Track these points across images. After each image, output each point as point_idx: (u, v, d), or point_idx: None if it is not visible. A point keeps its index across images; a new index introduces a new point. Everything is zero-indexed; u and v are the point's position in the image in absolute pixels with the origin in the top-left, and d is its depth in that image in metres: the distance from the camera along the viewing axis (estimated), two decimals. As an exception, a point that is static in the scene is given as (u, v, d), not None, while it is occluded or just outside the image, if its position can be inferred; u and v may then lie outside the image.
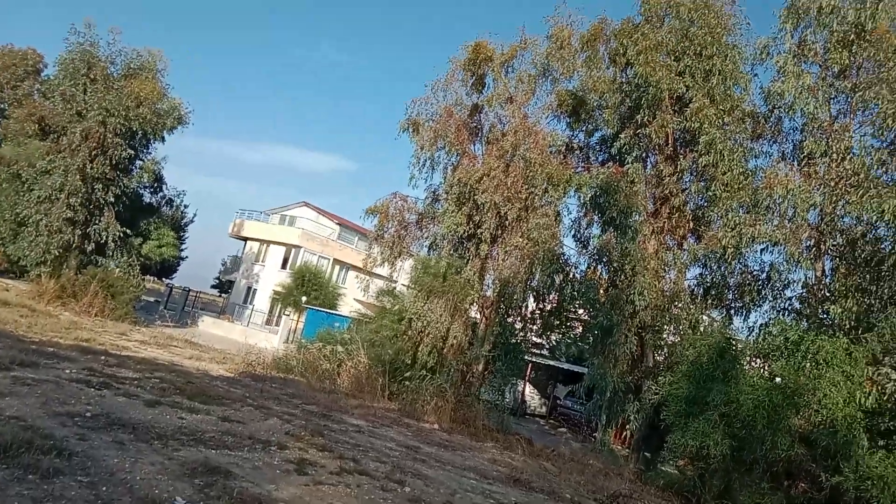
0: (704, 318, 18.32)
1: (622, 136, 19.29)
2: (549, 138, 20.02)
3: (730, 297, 18.27)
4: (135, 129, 26.76)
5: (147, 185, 31.60)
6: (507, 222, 19.31)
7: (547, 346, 26.39)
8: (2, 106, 38.10)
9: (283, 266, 43.33)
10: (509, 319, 19.92)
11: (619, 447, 19.23)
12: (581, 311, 21.47)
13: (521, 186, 18.87)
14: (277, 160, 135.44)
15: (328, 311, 32.43)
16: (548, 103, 21.01)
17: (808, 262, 16.15)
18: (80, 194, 25.13)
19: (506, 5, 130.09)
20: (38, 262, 24.74)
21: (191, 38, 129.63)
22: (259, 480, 6.80)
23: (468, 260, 19.68)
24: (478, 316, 20.17)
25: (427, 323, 17.49)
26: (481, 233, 18.93)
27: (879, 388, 11.75)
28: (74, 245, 25.44)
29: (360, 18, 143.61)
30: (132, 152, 27.37)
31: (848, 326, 13.67)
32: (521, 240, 18.82)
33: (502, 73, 20.80)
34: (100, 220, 26.22)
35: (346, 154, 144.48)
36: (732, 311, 18.24)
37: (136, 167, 29.14)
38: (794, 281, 17.16)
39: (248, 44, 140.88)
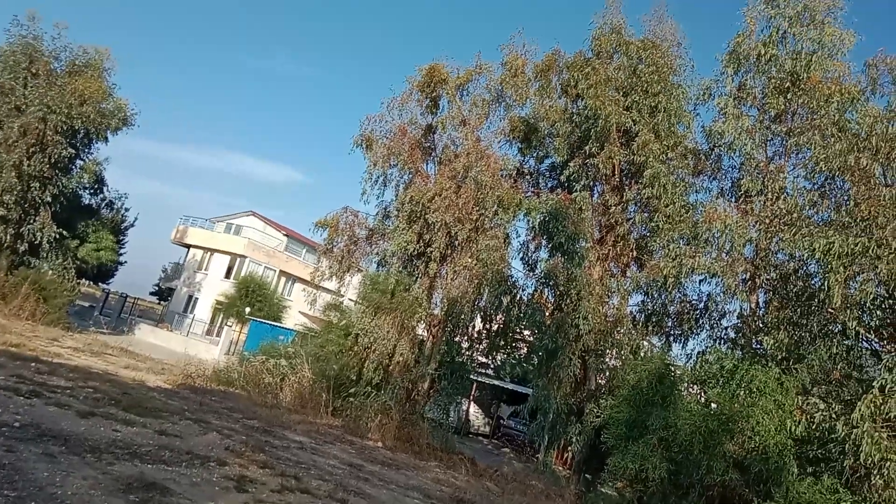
0: (645, 343, 18.92)
1: (571, 164, 19.89)
2: (500, 162, 20.42)
3: (669, 324, 18.90)
4: (77, 127, 25.91)
5: (87, 185, 30.59)
6: (457, 242, 19.50)
7: (492, 366, 26.58)
8: (-68, 95, 36.22)
9: (227, 275, 42.43)
10: (456, 338, 20.01)
11: (561, 468, 19.45)
12: (527, 333, 21.77)
13: (472, 208, 19.12)
14: (228, 168, 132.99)
15: (272, 323, 31.89)
16: (500, 128, 21.42)
17: (744, 294, 16.86)
18: (15, 192, 24.12)
19: (464, 27, 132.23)
20: (-36, 260, 23.54)
21: (143, 42, 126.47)
22: (197, 497, 6.66)
23: (417, 278, 19.73)
24: (425, 334, 20.21)
25: (374, 339, 17.41)
26: (431, 251, 19.02)
27: (808, 417, 12.31)
28: (6, 244, 24.31)
29: (318, 32, 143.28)
30: (73, 151, 26.47)
31: (780, 357, 14.24)
32: (470, 260, 19.01)
33: (457, 95, 21.10)
34: (35, 220, 25.14)
35: (298, 166, 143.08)
36: (672, 338, 18.89)
37: (76, 167, 28.25)
38: (730, 311, 17.92)
39: (202, 49, 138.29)
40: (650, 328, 18.98)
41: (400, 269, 19.86)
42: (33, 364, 12.45)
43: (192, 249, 45.40)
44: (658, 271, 17.31)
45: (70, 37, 27.52)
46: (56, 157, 25.00)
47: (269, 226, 46.93)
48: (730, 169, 19.41)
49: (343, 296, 22.31)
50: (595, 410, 16.30)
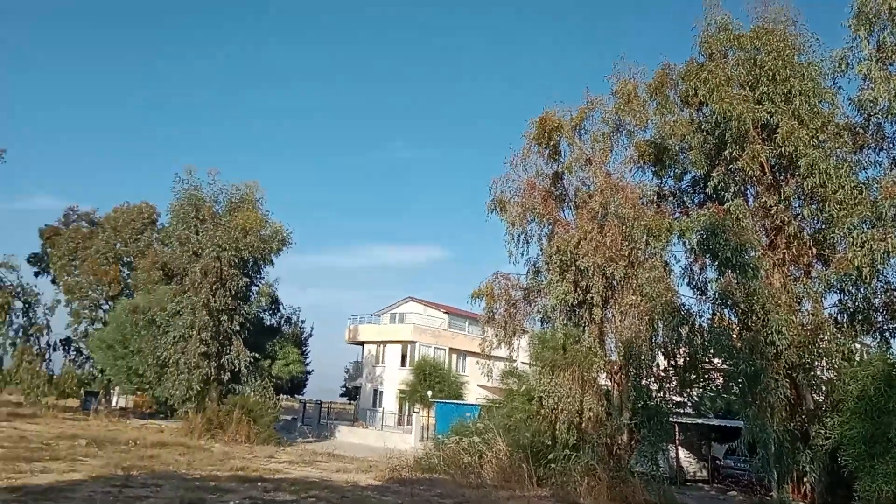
0: (857, 346, 16.94)
1: (714, 174, 18.93)
2: (638, 190, 19.95)
3: (879, 319, 16.89)
4: (246, 258, 28.94)
5: (265, 308, 33.45)
6: (615, 282, 19.01)
7: (690, 404, 24.92)
8: (129, 259, 42.26)
9: (403, 363, 44.19)
10: (642, 382, 19.09)
11: (802, 503, 17.45)
12: (717, 361, 20.35)
13: (621, 244, 18.66)
14: (375, 260, 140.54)
15: (456, 402, 32.51)
16: (628, 157, 20.96)
17: (961, 265, 14.76)
18: (210, 328, 27.06)
19: (564, 74, 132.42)
20: (183, 399, 26.56)
21: (270, 160, 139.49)
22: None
23: (584, 327, 19.33)
24: (608, 383, 19.58)
25: (558, 399, 17.13)
26: (591, 297, 18.62)
27: None
28: (213, 377, 27.12)
29: (426, 112, 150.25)
30: (247, 280, 29.44)
31: None
32: (634, 297, 18.37)
33: (575, 136, 21.08)
34: (230, 350, 27.93)
35: (440, 242, 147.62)
36: (888, 333, 16.83)
37: (253, 293, 31.14)
38: (949, 289, 15.71)
39: (320, 150, 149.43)
40: (858, 328, 17.01)
41: (564, 321, 19.62)
42: (259, 483, 13.61)
43: (366, 346, 47.97)
44: (847, 264, 15.70)
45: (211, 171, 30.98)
46: (235, 288, 27.95)
47: (428, 307, 48.59)
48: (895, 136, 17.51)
49: (515, 360, 22.34)
50: (822, 432, 14.52)
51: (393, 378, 43.77)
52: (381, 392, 44.83)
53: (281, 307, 36.18)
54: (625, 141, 21.04)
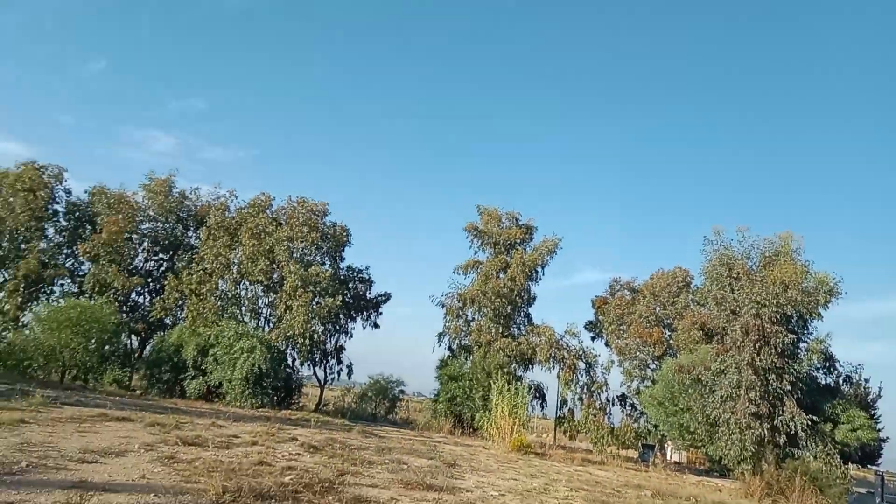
0: None
1: None
2: None
3: None
4: (789, 313, 27.26)
5: (818, 366, 30.48)
6: None
7: None
8: (668, 321, 44.49)
9: None
10: None
11: None
12: None
13: None
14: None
15: None
16: None
17: None
18: (757, 388, 26.01)
19: None
20: (738, 459, 25.97)
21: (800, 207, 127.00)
22: None
23: None
24: None
25: None
26: None
27: None
28: (767, 439, 25.78)
29: None
30: (793, 336, 27.43)
31: None
32: None
33: None
34: (782, 411, 26.17)
35: None
36: None
37: (801, 350, 28.76)
38: None
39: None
40: None
41: None
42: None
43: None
44: None
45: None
46: (780, 346, 26.31)
47: None
48: None
49: None
50: None
51: None
52: None
53: (837, 364, 32.35)
54: None
